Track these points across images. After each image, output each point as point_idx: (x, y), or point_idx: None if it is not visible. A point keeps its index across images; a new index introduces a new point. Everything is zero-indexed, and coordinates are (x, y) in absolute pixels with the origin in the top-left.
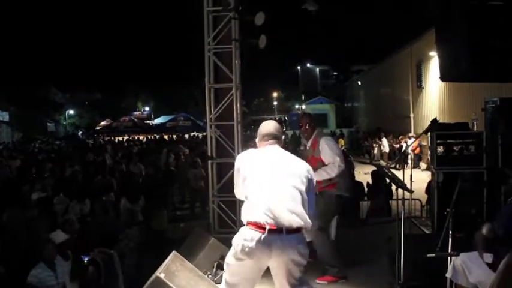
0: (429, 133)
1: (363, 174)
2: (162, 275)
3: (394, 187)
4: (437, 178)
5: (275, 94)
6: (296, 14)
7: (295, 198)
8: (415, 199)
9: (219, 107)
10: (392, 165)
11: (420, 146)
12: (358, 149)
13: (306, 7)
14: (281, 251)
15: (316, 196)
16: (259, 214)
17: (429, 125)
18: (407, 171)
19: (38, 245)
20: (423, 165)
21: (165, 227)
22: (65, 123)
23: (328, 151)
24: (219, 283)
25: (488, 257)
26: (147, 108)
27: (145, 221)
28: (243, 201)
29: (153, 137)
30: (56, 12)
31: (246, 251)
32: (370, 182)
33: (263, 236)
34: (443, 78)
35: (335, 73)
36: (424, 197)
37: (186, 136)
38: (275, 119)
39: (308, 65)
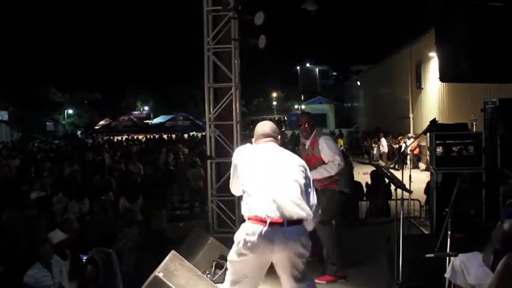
0: (428, 133)
1: (362, 175)
2: (160, 275)
3: (393, 187)
4: (436, 178)
5: (274, 94)
6: (296, 14)
7: (295, 190)
8: (414, 199)
9: (218, 106)
10: (392, 166)
11: (419, 146)
12: (357, 149)
13: (305, 7)
14: (283, 244)
15: (318, 193)
16: (260, 208)
17: (428, 126)
18: (406, 172)
19: (36, 244)
20: (422, 165)
21: (164, 226)
22: (64, 122)
23: (328, 150)
24: (218, 282)
25: (489, 256)
26: (146, 108)
27: (145, 221)
28: (242, 201)
29: (152, 136)
30: (56, 11)
31: (249, 246)
32: (369, 182)
33: (265, 229)
34: (442, 78)
35: (334, 73)
36: (423, 198)
37: (185, 136)
38: (274, 119)
39: (307, 65)
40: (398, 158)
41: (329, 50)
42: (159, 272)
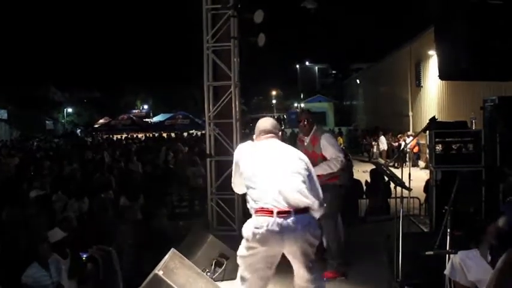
0: (428, 131)
1: (362, 173)
2: (160, 273)
3: (392, 185)
4: (435, 176)
5: (274, 92)
6: (295, 12)
7: (299, 181)
8: (413, 197)
9: (217, 104)
10: (391, 164)
11: (418, 144)
12: (356, 147)
13: (305, 5)
14: (293, 233)
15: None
16: (266, 200)
17: (428, 124)
18: (406, 170)
19: (36, 243)
20: (422, 163)
21: (164, 225)
22: (63, 121)
23: (331, 147)
24: (218, 280)
25: (489, 255)
26: (145, 106)
27: (145, 219)
28: (242, 199)
29: (151, 135)
30: (55, 10)
31: (258, 238)
32: (369, 180)
33: (272, 220)
34: (442, 76)
35: (334, 71)
36: (422, 196)
37: (185, 134)
38: (274, 117)
39: (307, 63)
40: (397, 156)
41: (328, 49)
42: (159, 270)
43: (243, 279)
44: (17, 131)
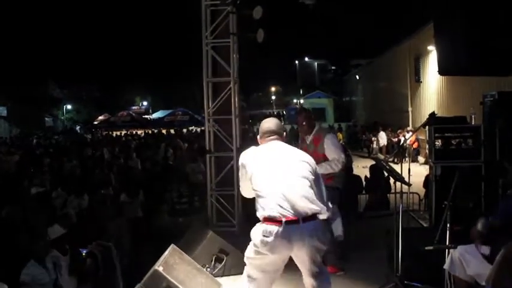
0: (427, 127)
1: (361, 168)
2: (160, 268)
3: (392, 181)
4: (435, 172)
5: (273, 88)
6: (294, 8)
7: (305, 186)
8: (413, 193)
9: (217, 101)
10: (391, 159)
11: (418, 140)
12: (356, 143)
13: (303, 1)
14: (301, 241)
15: None
16: (273, 208)
17: (427, 119)
18: (405, 165)
19: (36, 241)
20: (421, 159)
21: (164, 221)
22: (63, 118)
23: (334, 148)
24: (218, 276)
25: (486, 250)
26: (145, 103)
27: (145, 216)
28: (241, 195)
29: (151, 131)
30: (54, 7)
31: (267, 248)
32: (368, 175)
33: (281, 229)
34: (441, 72)
35: (333, 67)
36: (422, 191)
37: (184, 130)
38: (273, 114)
39: (306, 59)
40: (397, 151)
41: (328, 44)
42: (158, 266)
43: (250, 278)
44: (16, 128)
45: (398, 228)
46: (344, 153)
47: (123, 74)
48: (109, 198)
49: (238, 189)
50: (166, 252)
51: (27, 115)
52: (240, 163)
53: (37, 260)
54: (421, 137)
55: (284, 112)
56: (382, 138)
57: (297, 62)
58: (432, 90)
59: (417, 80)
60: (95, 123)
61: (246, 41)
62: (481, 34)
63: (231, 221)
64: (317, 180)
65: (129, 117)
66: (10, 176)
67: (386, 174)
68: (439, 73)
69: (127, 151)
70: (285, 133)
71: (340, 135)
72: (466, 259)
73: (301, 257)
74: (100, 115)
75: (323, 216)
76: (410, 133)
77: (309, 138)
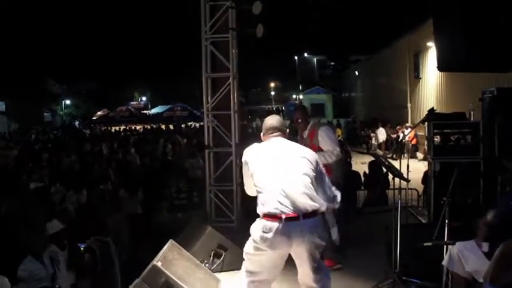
0: (426, 123)
1: (360, 164)
2: (159, 264)
3: (390, 177)
4: (433, 168)
5: (272, 84)
6: (293, 3)
7: (308, 183)
8: (411, 189)
9: (216, 96)
10: (389, 155)
11: (416, 136)
12: (355, 139)
13: None
14: (301, 237)
15: None
16: (273, 205)
17: (426, 115)
18: (404, 161)
19: (34, 236)
20: (420, 155)
21: (163, 217)
22: (61, 113)
23: (328, 140)
24: (216, 272)
25: (485, 246)
26: (144, 98)
27: (144, 212)
28: (240, 190)
29: (149, 126)
30: (52, 2)
31: (266, 244)
32: (367, 171)
33: (280, 225)
34: (440, 68)
35: (332, 63)
36: (420, 187)
37: (183, 126)
38: (272, 109)
39: (305, 54)
40: (396, 147)
41: (327, 40)
42: (157, 261)
43: (249, 273)
44: (15, 123)
45: (396, 225)
46: (340, 146)
47: (122, 69)
48: (108, 194)
49: (237, 184)
50: (165, 248)
51: (26, 110)
52: (243, 160)
53: (34, 255)
54: (420, 133)
55: (283, 108)
56: (382, 134)
57: (296, 57)
58: (431, 86)
59: (416, 76)
60: (94, 118)
61: (245, 36)
62: (480, 30)
63: (229, 216)
64: (320, 176)
65: (128, 112)
66: (9, 171)
67: (385, 170)
68: (438, 69)
69: (126, 146)
70: (287, 130)
71: (339, 131)
72: (464, 255)
73: (301, 253)
74: (99, 110)
75: (323, 208)
76: (409, 129)
77: (306, 133)
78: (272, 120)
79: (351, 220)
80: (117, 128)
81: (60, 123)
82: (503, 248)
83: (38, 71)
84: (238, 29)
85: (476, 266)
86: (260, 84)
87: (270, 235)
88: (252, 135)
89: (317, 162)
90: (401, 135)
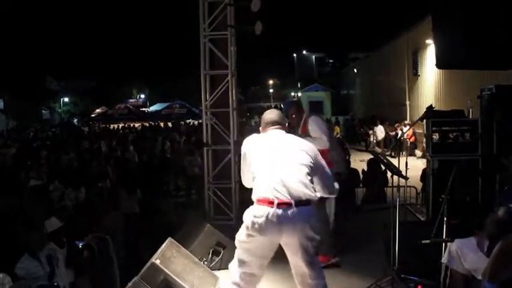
0: (425, 120)
1: (359, 162)
2: (157, 261)
3: (389, 174)
4: (432, 165)
5: (271, 81)
6: (292, 0)
7: (304, 173)
8: (410, 186)
9: (214, 94)
10: (388, 153)
11: (415, 134)
12: (353, 136)
13: None
14: (292, 225)
15: None
16: (268, 190)
17: (425, 112)
18: (403, 159)
19: (33, 234)
20: (418, 152)
21: (161, 215)
22: (60, 110)
23: (315, 127)
24: (215, 269)
25: (484, 243)
26: (142, 96)
27: (142, 210)
28: (239, 188)
29: (148, 124)
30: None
31: (256, 227)
32: (366, 169)
33: (272, 210)
34: (439, 65)
35: (331, 60)
36: (419, 185)
37: (182, 123)
38: (271, 107)
39: (304, 52)
40: (394, 145)
41: (326, 37)
42: (156, 259)
43: (240, 261)
44: (13, 120)
45: (395, 222)
46: (327, 135)
47: (121, 66)
48: (106, 191)
49: (236, 182)
50: (164, 246)
51: (24, 108)
52: (242, 149)
53: (31, 253)
54: (419, 130)
55: (282, 105)
56: (380, 131)
57: (294, 55)
58: (430, 83)
59: (415, 73)
60: (92, 116)
61: (243, 34)
62: (479, 28)
63: (228, 214)
64: (319, 168)
65: (127, 110)
66: (7, 169)
67: (383, 167)
68: (437, 66)
69: (124, 144)
70: (286, 124)
71: (337, 129)
72: (463, 252)
73: (292, 245)
74: (97, 108)
75: (318, 195)
76: (408, 127)
77: (300, 128)
78: (271, 115)
79: (350, 217)
80: (115, 126)
81: (59, 120)
82: (502, 244)
83: (36, 68)
84: (236, 27)
85: (475, 263)
86: (259, 81)
87: (261, 220)
88: (251, 133)
89: (315, 154)
90: (399, 132)
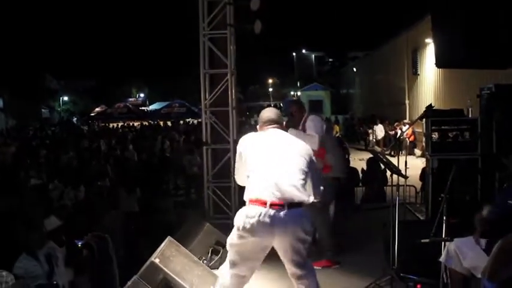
0: (424, 119)
1: (358, 161)
2: (157, 260)
3: (388, 173)
4: (431, 164)
5: (270, 80)
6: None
7: (297, 175)
8: (409, 185)
9: (214, 93)
10: (387, 152)
11: (414, 133)
12: (353, 135)
13: None
14: (284, 227)
15: None
16: (261, 190)
17: (424, 111)
18: (402, 158)
19: (32, 233)
20: (418, 151)
21: (161, 214)
22: (59, 109)
23: (312, 127)
24: (214, 268)
25: (483, 242)
26: (141, 95)
27: (141, 209)
28: (238, 187)
29: (147, 123)
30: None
31: (248, 228)
32: (365, 168)
33: (264, 210)
34: (438, 64)
35: (331, 59)
36: (418, 184)
37: (181, 122)
38: (270, 106)
39: (303, 51)
40: (394, 144)
41: (325, 37)
42: (155, 258)
43: (233, 263)
44: (12, 119)
45: (394, 221)
46: (322, 135)
47: (120, 65)
48: (106, 190)
49: (235, 181)
50: (163, 245)
51: (24, 107)
52: (237, 147)
53: (29, 252)
54: (418, 129)
55: (281, 104)
56: (380, 131)
57: (294, 54)
58: (429, 82)
59: (414, 72)
60: (92, 114)
61: (243, 33)
62: (478, 27)
63: (227, 213)
64: (312, 174)
65: (126, 109)
66: (6, 168)
67: (383, 166)
68: (436, 66)
69: (124, 143)
70: (284, 122)
71: (337, 128)
72: (462, 251)
73: (284, 247)
74: (97, 107)
75: (311, 199)
76: (407, 126)
77: (300, 127)
78: (269, 113)
79: (349, 217)
80: (115, 125)
81: (58, 119)
82: (502, 243)
83: (35, 67)
84: (236, 25)
85: (474, 262)
86: (258, 80)
87: (253, 220)
88: (250, 132)
89: (311, 157)
90: (399, 131)
